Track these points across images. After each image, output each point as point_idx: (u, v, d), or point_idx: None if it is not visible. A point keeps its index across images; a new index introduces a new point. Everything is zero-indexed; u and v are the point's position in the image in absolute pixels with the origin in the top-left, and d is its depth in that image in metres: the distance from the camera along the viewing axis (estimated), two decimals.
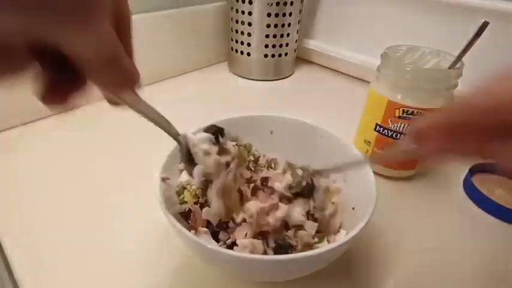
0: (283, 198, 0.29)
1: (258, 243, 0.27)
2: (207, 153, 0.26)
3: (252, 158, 0.35)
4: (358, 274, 0.31)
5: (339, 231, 0.30)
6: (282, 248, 0.27)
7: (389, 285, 0.30)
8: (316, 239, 0.29)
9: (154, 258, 0.32)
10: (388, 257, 0.33)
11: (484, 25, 0.31)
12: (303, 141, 0.36)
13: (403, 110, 0.37)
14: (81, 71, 0.17)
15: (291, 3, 0.61)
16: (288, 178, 0.29)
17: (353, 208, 0.30)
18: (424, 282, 0.31)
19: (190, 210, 0.30)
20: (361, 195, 0.28)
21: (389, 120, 0.38)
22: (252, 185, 0.30)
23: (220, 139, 0.27)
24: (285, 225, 0.29)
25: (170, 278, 0.30)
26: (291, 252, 0.27)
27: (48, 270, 0.30)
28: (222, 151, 0.27)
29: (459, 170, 0.43)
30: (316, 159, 0.31)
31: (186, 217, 0.29)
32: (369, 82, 0.42)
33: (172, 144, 0.27)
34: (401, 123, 0.38)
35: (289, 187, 0.29)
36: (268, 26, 0.62)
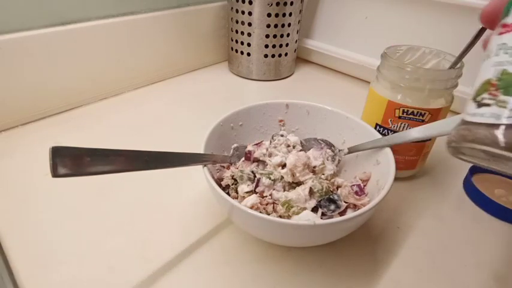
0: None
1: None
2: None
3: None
4: (355, 273, 0.31)
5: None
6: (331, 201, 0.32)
7: (388, 285, 0.30)
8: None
9: (158, 263, 0.32)
10: (388, 258, 0.33)
11: (482, 30, 0.32)
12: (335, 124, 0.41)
13: (403, 110, 0.37)
14: None
15: (291, 3, 0.61)
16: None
17: (377, 181, 0.34)
18: (422, 284, 0.31)
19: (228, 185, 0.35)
20: (383, 170, 0.33)
21: (389, 121, 0.38)
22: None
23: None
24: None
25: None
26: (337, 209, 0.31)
27: (49, 271, 0.30)
28: None
29: (459, 170, 0.44)
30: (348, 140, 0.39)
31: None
32: (368, 82, 0.42)
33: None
34: (401, 123, 0.38)
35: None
36: (268, 26, 0.62)
